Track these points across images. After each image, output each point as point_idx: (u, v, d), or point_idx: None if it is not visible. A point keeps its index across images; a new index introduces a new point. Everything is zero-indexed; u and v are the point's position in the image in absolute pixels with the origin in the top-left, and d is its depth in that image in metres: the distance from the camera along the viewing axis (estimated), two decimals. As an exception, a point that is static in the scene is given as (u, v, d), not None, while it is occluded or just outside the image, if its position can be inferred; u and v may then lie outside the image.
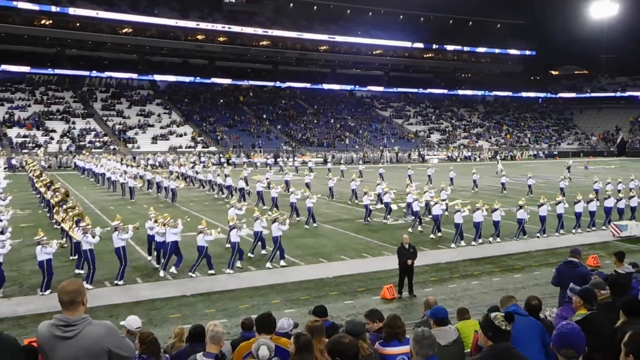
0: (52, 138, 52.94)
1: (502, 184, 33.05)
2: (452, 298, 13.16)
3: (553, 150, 72.79)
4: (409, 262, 13.42)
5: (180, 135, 58.65)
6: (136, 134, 57.33)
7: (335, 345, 4.07)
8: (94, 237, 14.20)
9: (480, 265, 16.56)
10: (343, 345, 4.02)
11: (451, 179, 33.93)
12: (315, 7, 78.74)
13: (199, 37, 71.13)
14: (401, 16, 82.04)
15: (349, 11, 79.97)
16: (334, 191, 29.95)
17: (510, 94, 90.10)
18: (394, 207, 23.46)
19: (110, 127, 57.80)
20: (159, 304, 12.96)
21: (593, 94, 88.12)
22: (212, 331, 5.12)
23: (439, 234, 20.14)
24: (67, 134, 54.13)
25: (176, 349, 6.85)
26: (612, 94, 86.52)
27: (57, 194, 20.81)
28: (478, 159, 63.28)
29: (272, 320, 5.63)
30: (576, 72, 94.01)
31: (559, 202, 21.03)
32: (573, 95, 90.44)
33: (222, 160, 50.77)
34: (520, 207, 20.16)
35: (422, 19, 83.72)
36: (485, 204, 19.87)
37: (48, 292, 13.06)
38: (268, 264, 16.08)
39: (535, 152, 71.07)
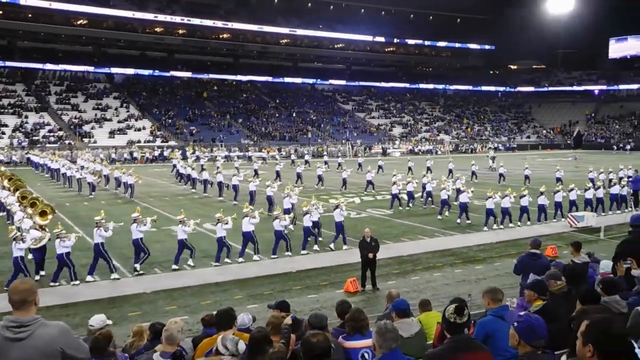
0: (3, 133, 51.12)
1: (501, 174, 34.20)
2: (415, 290, 13.25)
3: (512, 143, 74.34)
4: (370, 255, 13.47)
5: (139, 130, 57.51)
6: (92, 128, 55.89)
7: (304, 344, 4.02)
8: (106, 231, 14.41)
9: (443, 257, 16.73)
10: (312, 344, 3.94)
11: (450, 170, 34.79)
12: (276, 0, 78.25)
13: (158, 29, 69.77)
14: (362, 10, 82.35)
15: (310, 4, 79.71)
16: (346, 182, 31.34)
17: (470, 87, 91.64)
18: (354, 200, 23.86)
19: (65, 121, 56.20)
20: (118, 302, 12.66)
21: (550, 88, 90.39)
22: (166, 331, 4.96)
23: (468, 221, 21.33)
24: (20, 128, 52.35)
25: (135, 348, 6.68)
26: (569, 88, 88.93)
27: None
28: (439, 152, 64.12)
29: (232, 315, 5.53)
30: (534, 66, 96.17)
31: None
32: (531, 89, 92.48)
33: (188, 154, 49.91)
34: (542, 193, 21.82)
35: (383, 12, 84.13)
36: (513, 191, 21.71)
37: (78, 282, 13.65)
38: (345, 247, 17.31)
39: (495, 145, 72.46)
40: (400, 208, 24.61)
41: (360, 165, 39.80)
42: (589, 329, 3.04)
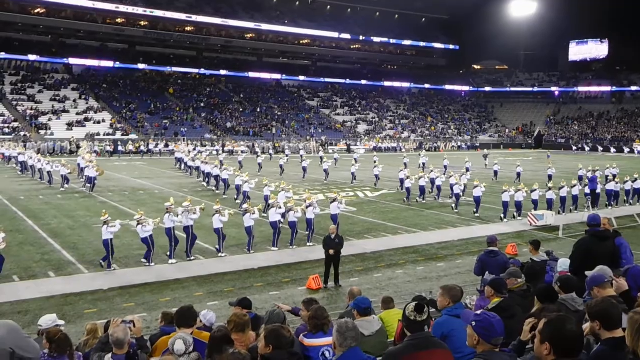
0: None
1: (495, 171, 36.04)
2: (377, 287, 13.26)
3: (475, 142, 75.47)
4: (331, 251, 13.41)
5: (98, 122, 56.06)
6: (50, 120, 54.22)
7: (274, 335, 4.10)
8: (177, 216, 15.46)
9: (405, 255, 16.80)
10: (283, 338, 4.10)
11: (445, 167, 35.82)
12: (240, -6, 77.62)
13: (119, 20, 68.08)
14: (328, 7, 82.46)
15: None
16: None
17: (435, 86, 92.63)
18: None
19: (20, 112, 54.39)
20: (73, 299, 12.26)
21: (512, 89, 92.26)
22: (112, 336, 4.74)
23: (477, 214, 23.10)
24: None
25: (89, 347, 6.40)
26: (530, 89, 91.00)
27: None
28: (403, 150, 64.59)
29: (193, 313, 5.41)
30: (497, 67, 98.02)
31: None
32: (494, 89, 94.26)
33: (183, 147, 48.46)
34: (550, 188, 24.07)
35: (349, 10, 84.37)
36: (525, 185, 24.17)
37: (154, 263, 14.77)
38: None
39: (459, 144, 73.48)
40: (410, 203, 25.71)
41: (355, 160, 39.40)
42: (545, 327, 3.10)
